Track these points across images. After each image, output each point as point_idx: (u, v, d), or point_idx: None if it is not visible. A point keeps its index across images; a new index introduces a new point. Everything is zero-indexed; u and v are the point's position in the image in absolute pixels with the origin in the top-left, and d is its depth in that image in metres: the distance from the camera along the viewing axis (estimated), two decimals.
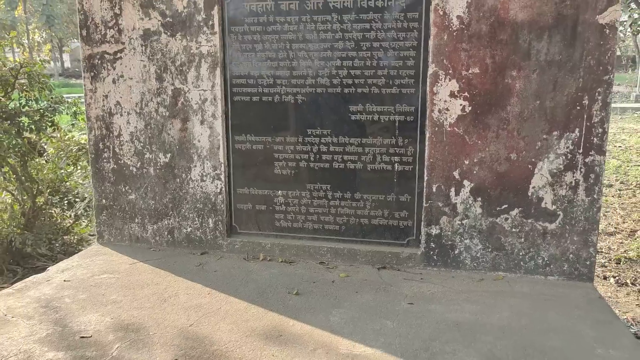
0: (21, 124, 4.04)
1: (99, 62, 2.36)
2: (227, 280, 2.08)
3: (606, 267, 2.93)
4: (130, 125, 2.38)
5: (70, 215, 3.67)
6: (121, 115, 2.38)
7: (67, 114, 4.61)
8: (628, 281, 2.69)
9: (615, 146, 6.86)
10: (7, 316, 1.76)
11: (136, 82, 2.34)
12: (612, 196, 4.40)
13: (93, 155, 2.45)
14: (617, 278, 2.74)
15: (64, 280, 2.07)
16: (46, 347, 1.56)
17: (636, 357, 1.50)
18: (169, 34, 2.27)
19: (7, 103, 4.22)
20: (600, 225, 2.92)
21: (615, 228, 3.59)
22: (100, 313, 1.79)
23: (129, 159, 2.42)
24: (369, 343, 1.59)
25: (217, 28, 2.22)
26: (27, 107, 4.31)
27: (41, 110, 4.24)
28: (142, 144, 2.39)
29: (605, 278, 2.75)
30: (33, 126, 3.86)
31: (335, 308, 1.84)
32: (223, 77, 2.28)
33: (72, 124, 5.22)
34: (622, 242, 3.31)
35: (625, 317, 2.27)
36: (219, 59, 2.25)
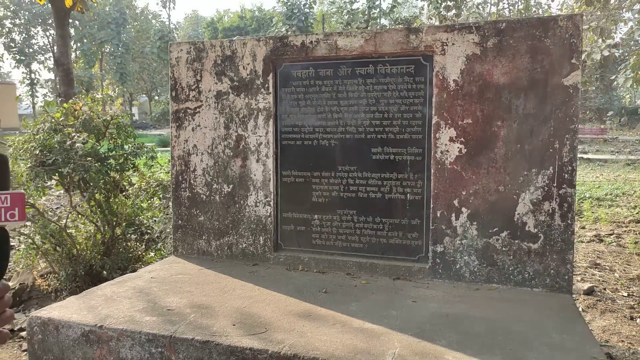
0: (108, 166, 4.95)
1: (183, 115, 3.12)
2: (272, 282, 2.66)
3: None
4: (203, 162, 3.09)
5: (142, 246, 4.40)
6: (196, 155, 3.11)
7: (145, 158, 5.53)
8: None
9: None
10: (114, 297, 2.42)
11: (209, 130, 3.07)
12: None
13: (174, 186, 3.17)
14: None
15: (151, 277, 2.73)
16: (143, 314, 2.19)
17: (581, 342, 1.93)
18: (235, 94, 3.01)
19: (98, 148, 5.17)
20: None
21: None
22: (179, 297, 2.41)
23: (200, 188, 3.11)
24: (376, 323, 2.10)
25: (271, 89, 2.93)
26: (114, 152, 5.26)
27: (125, 155, 5.17)
28: (211, 177, 3.08)
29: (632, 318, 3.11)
30: (118, 167, 4.74)
31: (354, 302, 2.37)
32: (274, 126, 2.96)
33: (150, 166, 6.11)
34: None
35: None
36: (272, 112, 2.94)
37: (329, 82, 2.85)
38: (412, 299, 2.42)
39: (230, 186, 3.05)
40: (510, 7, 23.28)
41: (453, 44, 2.57)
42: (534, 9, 23.26)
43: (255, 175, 2.99)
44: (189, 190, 3.14)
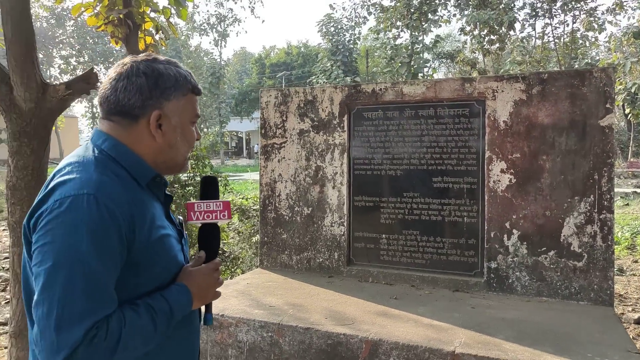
0: (188, 192, 5.64)
1: (270, 149, 3.73)
2: (348, 290, 3.15)
3: None
4: (287, 188, 3.67)
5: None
6: (281, 182, 3.68)
7: (220, 185, 6.20)
8: None
9: None
10: (224, 295, 2.97)
11: (292, 161, 3.65)
12: None
13: (261, 208, 3.75)
14: None
15: (247, 283, 3.28)
16: (251, 308, 2.72)
17: (619, 340, 2.30)
18: (315, 131, 3.59)
19: (180, 176, 5.88)
20: None
21: None
22: (275, 298, 2.94)
23: (284, 211, 3.68)
24: (442, 321, 2.55)
25: (346, 128, 3.49)
26: (192, 180, 5.98)
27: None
28: (293, 201, 3.65)
29: None
30: (196, 193, 5.41)
31: (421, 306, 2.82)
32: (348, 158, 3.51)
33: (222, 193, 6.79)
34: None
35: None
36: (346, 147, 3.50)
37: (395, 121, 3.38)
38: (470, 306, 2.85)
39: (310, 209, 3.59)
40: (556, 41, 23.38)
41: (502, 90, 3.06)
42: (580, 41, 23.23)
43: (331, 199, 3.53)
44: (274, 212, 3.71)
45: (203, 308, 1.37)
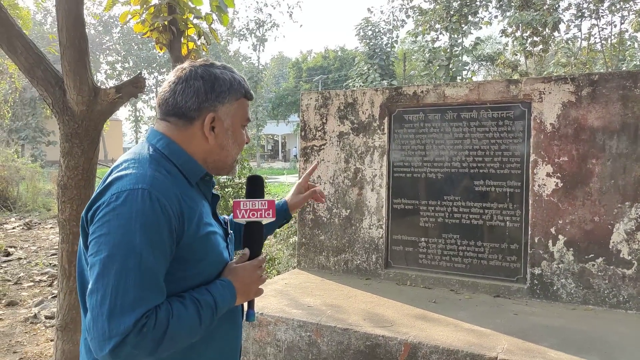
0: (228, 193, 5.73)
1: (310, 151, 3.76)
2: (386, 292, 3.13)
3: None
4: (325, 190, 3.68)
5: None
6: (320, 184, 3.71)
7: None
8: None
9: None
10: (262, 295, 3.01)
11: (331, 163, 3.67)
12: None
13: (300, 210, 3.77)
14: None
15: (285, 284, 3.31)
16: (290, 307, 2.75)
17: None
18: (354, 134, 3.59)
19: (219, 178, 5.99)
20: None
21: None
22: (313, 298, 2.96)
23: (322, 212, 3.70)
24: (484, 327, 2.50)
25: (386, 130, 3.48)
26: (231, 181, 6.07)
27: (240, 184, 5.94)
28: (331, 203, 3.66)
29: None
30: (235, 195, 5.49)
31: (461, 311, 2.77)
32: (388, 161, 3.49)
33: None
34: None
35: None
36: (385, 149, 3.48)
37: (436, 124, 3.35)
38: (513, 312, 2.78)
39: (348, 211, 3.60)
40: (603, 42, 22.52)
41: (550, 92, 2.98)
42: (628, 43, 22.27)
43: (369, 202, 3.52)
44: (312, 214, 3.73)
45: (246, 305, 1.40)
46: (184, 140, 1.28)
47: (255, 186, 1.47)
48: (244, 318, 1.42)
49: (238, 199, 1.43)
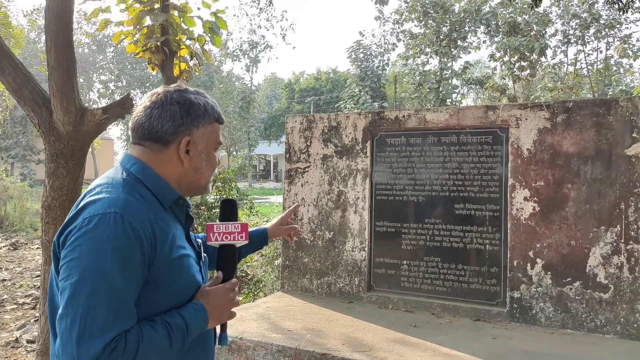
0: (214, 214, 5.72)
1: (294, 173, 3.80)
2: (368, 316, 3.14)
3: None
4: (309, 212, 3.71)
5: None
6: (304, 206, 3.73)
7: (245, 209, 6.28)
8: None
9: None
10: (242, 318, 3.01)
11: (315, 186, 3.70)
12: None
13: None
14: None
15: (267, 307, 3.31)
16: (270, 332, 2.74)
17: None
18: (338, 157, 3.64)
19: (207, 199, 5.98)
20: None
21: None
22: (294, 322, 2.95)
23: (306, 234, 3.71)
24: (461, 351, 2.51)
25: (368, 154, 3.54)
26: (219, 202, 6.05)
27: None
28: (315, 225, 3.68)
29: None
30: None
31: (441, 335, 2.78)
32: (370, 184, 3.54)
33: (248, 215, 6.89)
34: None
35: None
36: (368, 172, 3.53)
37: (418, 148, 3.41)
38: (492, 336, 2.79)
39: (331, 233, 3.62)
40: (589, 67, 23.01)
41: (526, 118, 3.05)
42: (614, 68, 22.76)
43: (352, 224, 3.55)
44: (296, 236, 3.74)
45: (218, 328, 1.41)
46: (159, 163, 1.31)
47: (229, 209, 1.49)
48: (216, 342, 1.43)
49: (212, 223, 1.45)
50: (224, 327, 1.40)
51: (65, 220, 1.21)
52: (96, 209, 1.16)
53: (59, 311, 1.11)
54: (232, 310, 1.39)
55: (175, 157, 1.32)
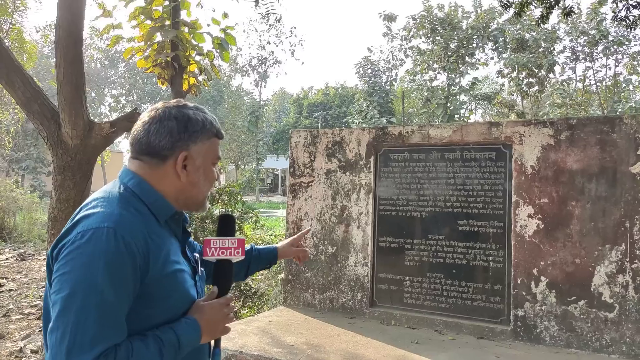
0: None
1: (298, 187, 3.81)
2: (370, 332, 3.11)
3: None
4: (312, 227, 3.71)
5: (239, 302, 5.02)
6: (307, 220, 3.74)
7: (250, 222, 6.31)
8: None
9: None
10: (244, 332, 3.00)
11: (319, 200, 3.71)
12: None
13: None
14: None
15: (269, 321, 3.30)
16: (270, 346, 2.73)
17: None
18: (342, 171, 3.65)
19: (212, 212, 6.01)
20: None
21: None
22: (295, 337, 2.94)
23: (309, 249, 3.71)
24: None
25: (372, 169, 3.54)
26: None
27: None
28: (318, 239, 3.68)
29: None
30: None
31: (443, 352, 2.75)
32: (373, 199, 3.54)
33: (253, 229, 6.89)
34: None
35: None
36: (372, 187, 3.54)
37: (421, 164, 3.41)
38: (495, 355, 2.76)
39: (334, 248, 3.62)
40: (598, 84, 22.95)
41: (530, 135, 3.05)
42: (623, 85, 22.67)
43: (355, 239, 3.55)
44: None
45: (212, 343, 1.40)
46: (156, 178, 1.32)
47: (226, 224, 1.50)
48: (210, 358, 1.42)
49: (209, 238, 1.46)
50: (217, 343, 1.40)
51: (60, 233, 1.22)
52: (90, 223, 1.17)
53: (50, 324, 1.12)
54: (226, 325, 1.38)
55: (172, 172, 1.32)
